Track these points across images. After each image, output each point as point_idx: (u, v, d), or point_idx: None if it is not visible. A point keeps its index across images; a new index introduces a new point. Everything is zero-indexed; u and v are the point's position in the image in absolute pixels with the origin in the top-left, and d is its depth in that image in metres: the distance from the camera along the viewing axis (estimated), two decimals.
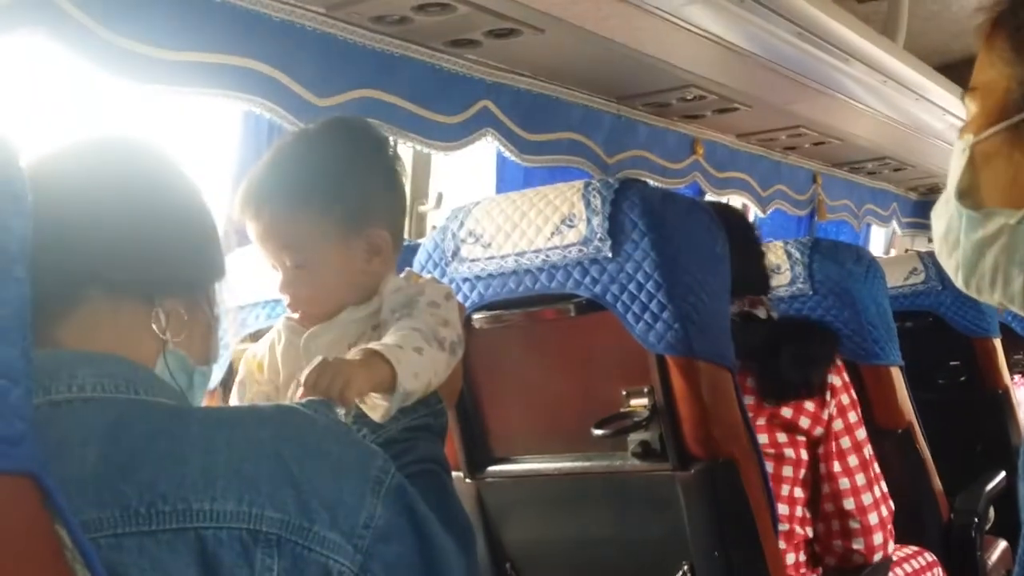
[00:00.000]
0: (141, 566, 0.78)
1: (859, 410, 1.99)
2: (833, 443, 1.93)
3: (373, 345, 1.14)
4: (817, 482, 1.95)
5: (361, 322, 1.26)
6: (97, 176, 0.95)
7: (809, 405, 1.91)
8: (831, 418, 1.93)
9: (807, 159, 4.45)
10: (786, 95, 3.43)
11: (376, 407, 1.11)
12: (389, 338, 1.16)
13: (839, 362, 1.98)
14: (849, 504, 1.92)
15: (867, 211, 5.08)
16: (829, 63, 3.24)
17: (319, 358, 1.07)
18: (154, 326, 0.95)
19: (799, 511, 1.91)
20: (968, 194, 0.93)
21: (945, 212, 0.96)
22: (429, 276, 1.36)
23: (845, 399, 1.95)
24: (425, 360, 1.15)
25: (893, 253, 5.50)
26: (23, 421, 0.65)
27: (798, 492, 1.91)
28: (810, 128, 3.91)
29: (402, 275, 1.34)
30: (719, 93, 3.24)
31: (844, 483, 1.92)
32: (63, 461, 0.79)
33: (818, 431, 1.92)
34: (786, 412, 1.90)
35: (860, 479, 1.93)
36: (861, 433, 1.97)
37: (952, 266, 0.96)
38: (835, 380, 1.94)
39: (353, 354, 1.12)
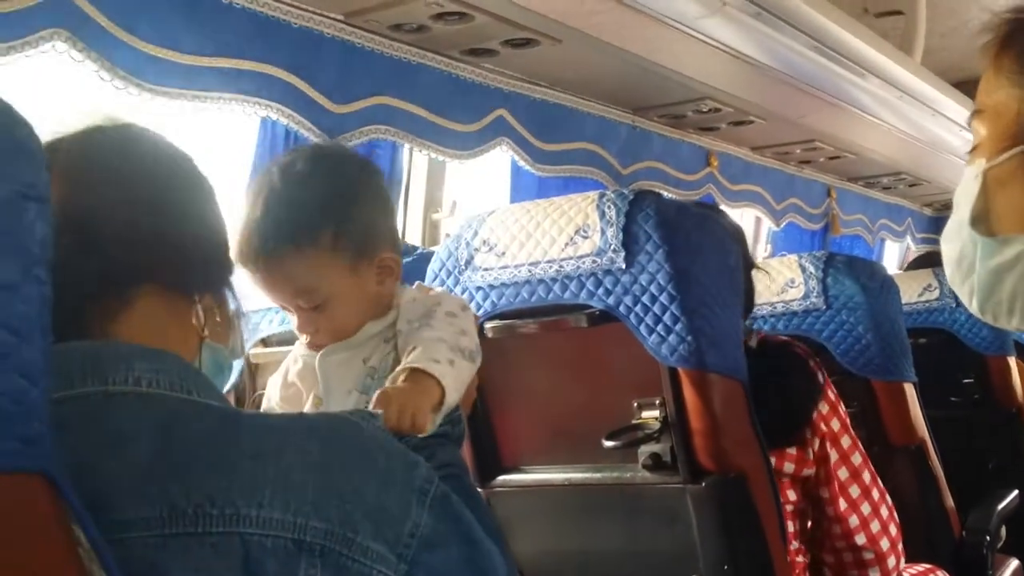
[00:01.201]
0: (185, 567, 0.78)
1: (850, 429, 1.92)
2: (834, 484, 1.87)
3: (415, 363, 1.15)
4: (818, 515, 1.92)
5: (375, 336, 1.26)
6: (136, 170, 0.97)
7: (792, 450, 1.85)
8: (822, 457, 1.87)
9: (822, 173, 4.45)
10: (801, 108, 3.43)
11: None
12: (420, 352, 1.16)
13: (824, 386, 1.91)
14: (861, 539, 1.88)
15: (881, 226, 5.08)
16: (845, 77, 3.25)
17: (377, 392, 1.10)
18: (194, 321, 0.97)
19: (794, 544, 1.88)
20: (982, 219, 0.92)
21: (958, 238, 0.94)
22: (441, 288, 1.36)
23: (836, 424, 1.88)
24: (457, 371, 1.17)
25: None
26: (41, 421, 0.65)
27: (790, 527, 1.86)
28: (825, 142, 3.91)
29: (413, 287, 1.34)
30: (734, 106, 3.24)
31: (853, 521, 1.88)
32: (114, 454, 0.79)
33: (805, 472, 1.87)
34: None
35: (866, 509, 1.88)
36: (857, 458, 1.90)
37: (966, 292, 0.95)
38: (821, 409, 1.88)
39: (399, 377, 1.14)
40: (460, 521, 0.94)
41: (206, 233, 1.00)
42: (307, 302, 1.22)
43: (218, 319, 1.01)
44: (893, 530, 1.93)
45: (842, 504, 1.87)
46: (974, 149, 0.95)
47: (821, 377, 1.90)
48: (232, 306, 1.05)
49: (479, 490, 1.86)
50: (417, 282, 1.39)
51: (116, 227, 0.91)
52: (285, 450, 0.84)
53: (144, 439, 0.81)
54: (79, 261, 0.88)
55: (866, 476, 1.91)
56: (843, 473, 1.88)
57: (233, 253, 1.18)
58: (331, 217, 1.21)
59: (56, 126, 0.97)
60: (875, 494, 1.92)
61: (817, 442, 1.87)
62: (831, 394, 1.91)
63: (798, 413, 1.84)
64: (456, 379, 1.16)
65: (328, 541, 0.82)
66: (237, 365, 1.12)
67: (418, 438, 1.11)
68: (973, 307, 0.95)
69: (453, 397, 1.14)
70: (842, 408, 1.92)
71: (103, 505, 0.75)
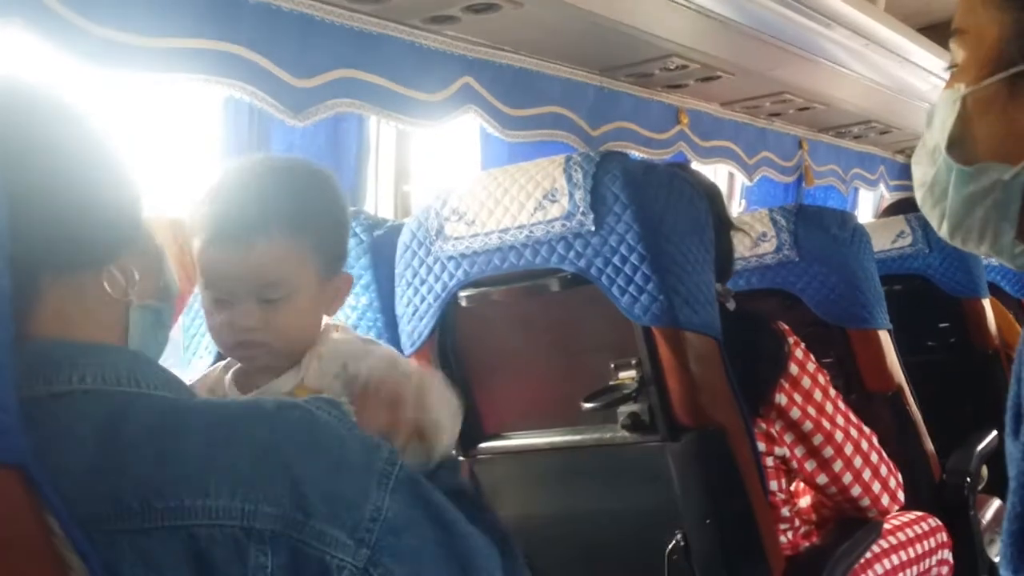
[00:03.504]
0: (133, 563, 0.77)
1: (822, 376, 1.89)
2: (822, 452, 1.86)
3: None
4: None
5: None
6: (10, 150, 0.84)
7: (761, 424, 1.83)
8: (796, 421, 1.84)
9: (792, 125, 4.45)
10: (769, 61, 3.43)
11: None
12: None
13: (793, 345, 1.87)
14: (856, 491, 1.89)
15: (854, 175, 5.09)
16: (811, 28, 3.24)
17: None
18: (112, 291, 0.92)
19: (780, 496, 1.88)
20: (958, 146, 0.91)
21: (931, 162, 0.93)
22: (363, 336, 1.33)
23: (806, 383, 1.85)
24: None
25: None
26: (6, 412, 0.65)
27: (772, 486, 1.85)
28: (794, 94, 3.91)
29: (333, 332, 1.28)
30: (701, 62, 3.24)
31: (847, 478, 1.88)
32: (63, 454, 0.78)
33: (779, 451, 1.85)
34: None
35: (857, 462, 1.88)
36: (831, 408, 1.87)
37: (936, 216, 0.94)
38: (792, 370, 1.84)
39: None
40: (430, 505, 0.92)
41: (102, 200, 0.92)
42: (269, 295, 1.16)
43: (138, 276, 0.95)
44: (884, 471, 1.95)
45: (837, 465, 1.86)
46: (955, 74, 0.93)
47: (786, 350, 1.85)
48: (151, 248, 1.00)
49: (461, 458, 1.88)
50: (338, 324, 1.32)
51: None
52: (233, 438, 0.83)
53: (90, 437, 0.80)
54: None
55: (853, 431, 1.90)
56: (829, 437, 1.86)
57: (203, 228, 1.15)
58: (319, 221, 1.19)
59: None
60: (862, 440, 1.92)
61: (778, 424, 1.85)
62: (795, 366, 1.85)
63: (766, 380, 1.81)
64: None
65: (278, 526, 0.81)
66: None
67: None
68: (943, 231, 0.94)
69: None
70: (810, 374, 1.87)
71: None
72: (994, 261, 0.96)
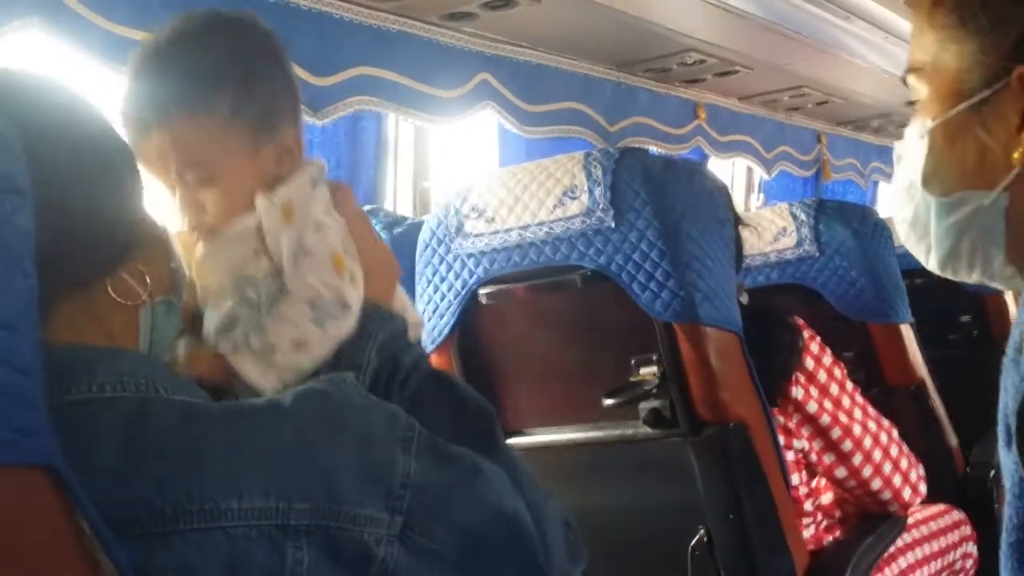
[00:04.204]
0: (167, 566, 0.77)
1: (838, 370, 1.88)
2: (841, 445, 1.85)
3: None
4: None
5: (245, 241, 1.10)
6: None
7: (779, 418, 1.82)
8: (813, 415, 1.83)
9: (811, 119, 4.44)
10: (787, 55, 3.42)
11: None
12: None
13: (808, 339, 1.86)
14: (876, 484, 1.89)
15: (873, 169, 5.07)
16: (829, 21, 3.23)
17: None
18: (123, 300, 0.91)
19: (803, 489, 1.88)
20: (933, 179, 0.91)
21: (910, 200, 0.93)
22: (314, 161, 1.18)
23: (822, 376, 1.85)
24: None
25: None
26: (37, 411, 0.66)
27: (794, 479, 1.85)
28: (813, 88, 3.89)
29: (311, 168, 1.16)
30: (719, 56, 3.23)
31: (867, 471, 1.87)
32: (87, 460, 0.78)
33: (798, 444, 1.85)
34: None
35: (876, 455, 1.87)
36: (848, 402, 1.87)
37: (923, 250, 0.94)
38: (807, 364, 1.84)
39: None
40: (450, 457, 0.93)
41: (103, 211, 0.90)
42: (195, 176, 1.07)
43: (148, 279, 0.93)
44: (904, 464, 1.94)
45: (857, 459, 1.86)
46: (918, 109, 0.93)
47: (800, 345, 1.84)
48: (156, 235, 0.97)
49: None
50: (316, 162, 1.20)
51: None
52: (257, 437, 0.83)
53: (114, 441, 0.80)
54: None
55: (871, 424, 1.89)
56: (847, 430, 1.86)
57: (121, 123, 1.06)
58: (229, 86, 1.08)
59: None
60: (881, 434, 1.91)
61: (796, 417, 1.84)
62: (810, 360, 1.85)
63: (781, 372, 1.80)
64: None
65: (314, 519, 0.82)
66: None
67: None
68: (931, 265, 0.94)
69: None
70: (826, 368, 1.87)
71: None
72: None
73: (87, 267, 0.89)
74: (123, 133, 1.04)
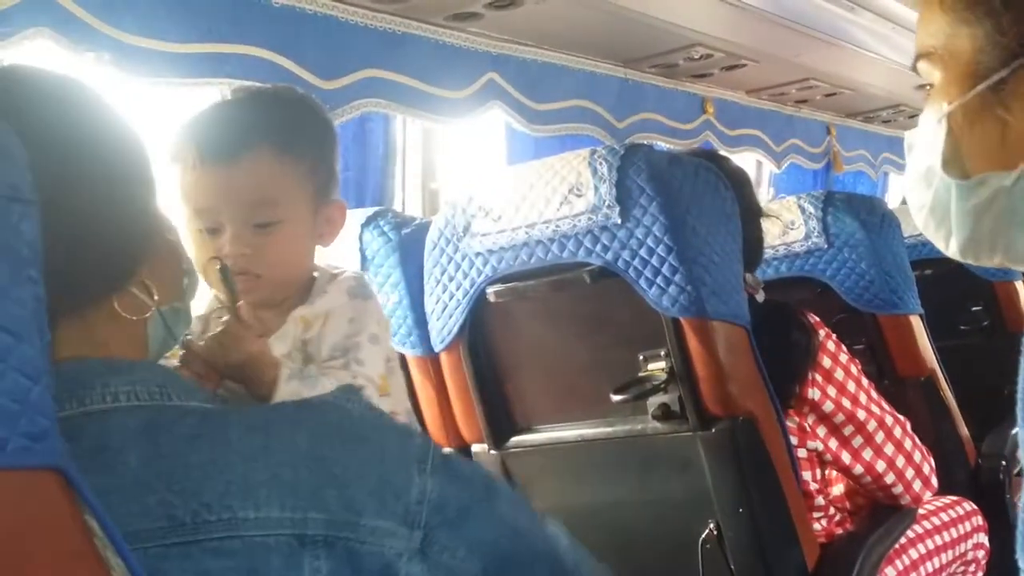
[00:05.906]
0: (187, 575, 0.77)
1: (854, 367, 1.88)
2: (853, 441, 1.85)
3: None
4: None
5: (290, 340, 1.17)
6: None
7: (794, 418, 1.82)
8: (829, 414, 1.83)
9: (820, 111, 4.42)
10: (794, 48, 3.41)
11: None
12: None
13: (825, 337, 1.86)
14: (890, 478, 1.89)
15: (884, 160, 5.05)
16: (835, 12, 3.22)
17: None
18: (131, 315, 0.91)
19: (813, 485, 1.88)
20: (951, 163, 0.90)
21: (927, 185, 0.93)
22: (353, 274, 1.25)
23: (839, 374, 1.84)
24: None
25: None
26: (45, 417, 0.66)
27: (806, 476, 1.85)
28: (821, 80, 3.88)
29: (331, 278, 1.23)
30: (726, 50, 3.22)
31: (880, 466, 1.87)
32: (103, 468, 0.78)
33: (811, 444, 1.84)
34: None
35: (889, 449, 1.87)
36: (864, 398, 1.86)
37: (942, 236, 0.93)
38: (824, 363, 1.83)
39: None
40: (464, 478, 0.92)
41: (112, 227, 0.89)
42: (264, 215, 1.09)
43: (156, 294, 0.93)
44: (917, 456, 1.93)
45: (867, 454, 1.85)
46: (933, 94, 0.92)
47: (817, 343, 1.84)
48: (167, 242, 0.97)
49: (493, 452, 1.89)
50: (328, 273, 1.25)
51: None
52: (274, 447, 0.83)
53: (132, 447, 0.80)
54: None
55: (888, 419, 1.89)
56: (862, 427, 1.85)
57: (185, 152, 1.07)
58: (315, 143, 1.14)
59: None
60: (896, 427, 1.90)
61: (811, 418, 1.84)
62: (827, 358, 1.84)
63: (795, 374, 1.80)
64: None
65: (331, 530, 0.81)
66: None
67: None
68: (951, 250, 0.93)
69: None
70: (843, 366, 1.86)
71: None
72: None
73: (93, 289, 0.89)
74: (176, 170, 1.06)
